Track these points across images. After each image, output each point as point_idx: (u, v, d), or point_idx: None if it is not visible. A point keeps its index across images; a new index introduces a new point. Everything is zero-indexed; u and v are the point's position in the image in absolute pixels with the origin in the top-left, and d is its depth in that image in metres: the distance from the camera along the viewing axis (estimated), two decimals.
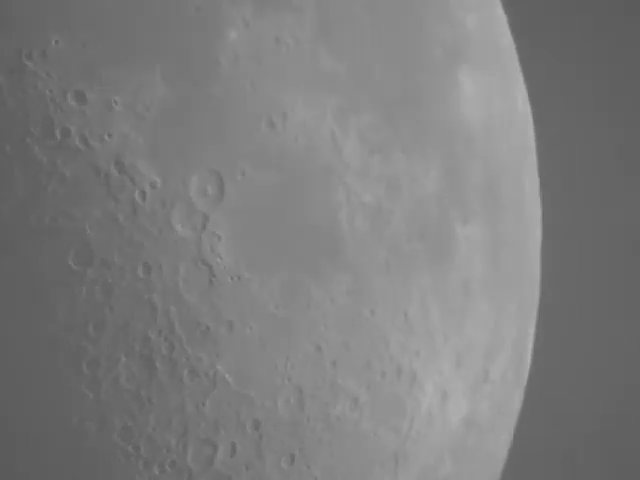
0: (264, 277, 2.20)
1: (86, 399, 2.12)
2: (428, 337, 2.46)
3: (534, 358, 3.12)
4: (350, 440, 2.37)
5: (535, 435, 4.94)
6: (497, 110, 2.70)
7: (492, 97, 2.68)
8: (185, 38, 2.14)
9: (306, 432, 2.30)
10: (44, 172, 2.06)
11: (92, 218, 2.08)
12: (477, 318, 2.60)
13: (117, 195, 2.09)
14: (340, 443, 2.35)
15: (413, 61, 2.43)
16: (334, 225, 2.27)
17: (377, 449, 2.43)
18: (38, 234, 2.06)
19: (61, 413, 2.12)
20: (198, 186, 2.14)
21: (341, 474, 2.39)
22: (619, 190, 5.27)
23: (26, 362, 2.08)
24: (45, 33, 2.07)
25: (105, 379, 2.12)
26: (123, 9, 2.10)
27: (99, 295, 2.09)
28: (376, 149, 2.33)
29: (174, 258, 2.13)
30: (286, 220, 2.21)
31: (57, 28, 2.07)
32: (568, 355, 5.18)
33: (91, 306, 2.09)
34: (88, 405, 2.12)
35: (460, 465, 2.68)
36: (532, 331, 3.04)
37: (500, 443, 2.95)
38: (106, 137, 2.08)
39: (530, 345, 3.04)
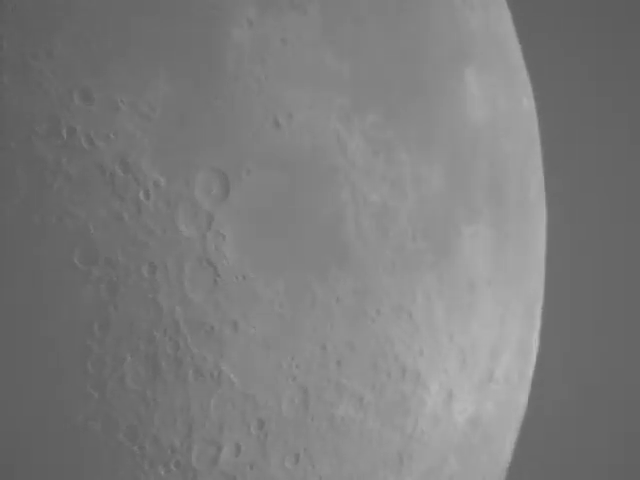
0: (269, 277, 2.20)
1: (91, 399, 2.12)
2: (433, 337, 2.45)
3: (539, 357, 3.12)
4: (355, 440, 2.37)
5: (540, 434, 4.94)
6: (502, 110, 2.70)
7: (497, 97, 2.68)
8: (190, 38, 2.14)
9: (311, 432, 2.30)
10: (49, 171, 2.06)
11: (97, 217, 2.08)
12: (482, 317, 2.60)
13: (122, 194, 2.09)
14: (345, 443, 2.35)
15: (418, 61, 2.43)
16: (339, 225, 2.27)
17: (382, 449, 2.43)
18: (43, 233, 2.06)
19: (66, 412, 2.12)
20: (203, 185, 2.14)
21: (346, 474, 2.39)
22: (625, 189, 5.27)
23: (30, 361, 2.08)
24: (51, 32, 2.07)
25: (110, 379, 2.12)
26: (128, 9, 2.11)
27: (104, 294, 2.09)
28: (381, 149, 2.33)
29: (179, 257, 2.13)
30: (291, 220, 2.21)
31: (63, 27, 2.07)
32: (573, 354, 5.18)
33: (96, 305, 2.09)
34: (93, 405, 2.12)
35: (465, 465, 2.68)
36: (537, 330, 3.04)
37: (505, 443, 2.95)
38: (111, 136, 2.09)
39: (535, 344, 3.04)
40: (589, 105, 5.24)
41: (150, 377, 2.14)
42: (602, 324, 5.23)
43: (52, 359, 2.09)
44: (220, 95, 2.15)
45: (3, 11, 2.05)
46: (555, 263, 3.23)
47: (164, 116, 2.11)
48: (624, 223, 5.27)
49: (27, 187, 2.05)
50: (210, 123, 2.14)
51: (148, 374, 2.14)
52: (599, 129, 5.26)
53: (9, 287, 2.06)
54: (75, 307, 2.08)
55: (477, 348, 2.59)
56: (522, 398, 3.01)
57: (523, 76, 2.96)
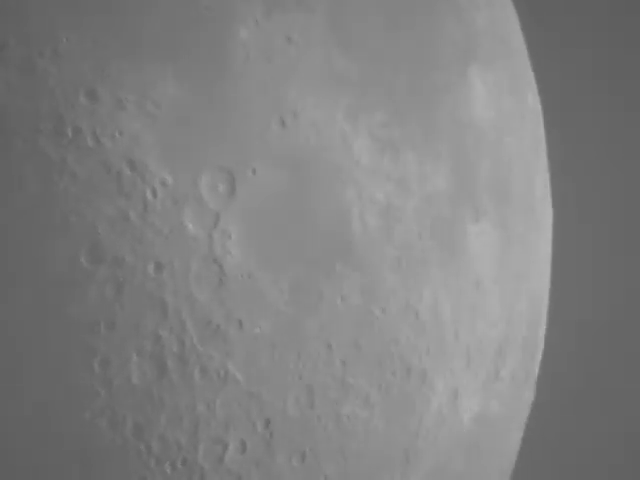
0: (275, 275, 2.20)
1: (97, 397, 2.12)
2: (439, 335, 2.45)
3: (544, 355, 3.12)
4: (360, 438, 2.37)
5: (546, 433, 4.93)
6: (507, 108, 2.69)
7: (503, 95, 2.68)
8: (196, 37, 2.14)
9: (316, 430, 2.30)
10: (55, 170, 2.06)
11: (103, 216, 2.08)
12: (488, 316, 2.59)
13: (128, 193, 2.09)
14: (350, 441, 2.36)
15: (424, 60, 2.43)
16: (345, 223, 2.27)
17: (388, 447, 2.43)
18: (49, 232, 2.06)
19: (72, 411, 2.12)
20: (209, 184, 2.14)
21: (352, 472, 2.39)
22: (632, 189, 5.26)
23: (37, 360, 2.09)
24: (56, 31, 2.07)
25: (116, 377, 2.12)
26: (134, 7, 2.11)
27: (110, 293, 2.10)
28: (387, 147, 2.33)
29: (185, 256, 2.13)
30: (297, 218, 2.21)
31: (69, 26, 2.08)
32: (579, 352, 5.17)
33: (102, 304, 2.09)
34: (99, 403, 2.12)
35: (471, 463, 2.68)
36: (543, 329, 3.03)
37: (511, 441, 2.95)
38: (117, 135, 2.09)
39: (541, 343, 3.04)
40: (595, 104, 5.23)
41: (156, 376, 2.14)
42: (608, 322, 5.22)
43: (58, 358, 2.09)
44: (226, 94, 2.15)
45: (9, 9, 2.05)
46: (561, 262, 3.22)
47: (170, 115, 2.11)
48: (631, 222, 5.26)
49: (33, 186, 2.05)
50: (216, 122, 2.14)
51: (154, 373, 2.14)
52: (605, 128, 5.25)
53: (15, 286, 2.06)
54: (81, 306, 2.09)
55: (483, 347, 2.59)
56: (528, 397, 3.01)
57: (529, 75, 2.96)
